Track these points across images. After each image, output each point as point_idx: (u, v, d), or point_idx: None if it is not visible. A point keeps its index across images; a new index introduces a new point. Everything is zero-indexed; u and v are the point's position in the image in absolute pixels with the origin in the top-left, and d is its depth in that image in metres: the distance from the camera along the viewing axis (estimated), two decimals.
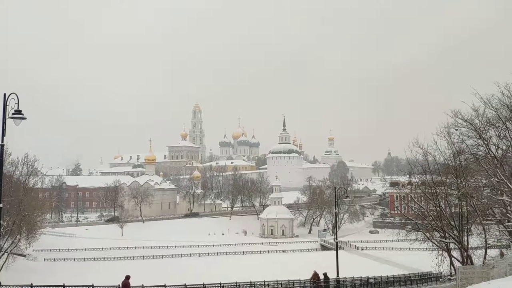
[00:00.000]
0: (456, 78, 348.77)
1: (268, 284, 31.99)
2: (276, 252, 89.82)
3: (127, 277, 24.04)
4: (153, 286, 27.37)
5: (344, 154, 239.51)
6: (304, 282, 32.30)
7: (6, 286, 22.07)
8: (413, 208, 40.26)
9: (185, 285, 26.99)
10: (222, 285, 29.63)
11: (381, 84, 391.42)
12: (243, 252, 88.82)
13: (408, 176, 56.49)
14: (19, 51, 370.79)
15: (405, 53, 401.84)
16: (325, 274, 33.02)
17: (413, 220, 38.41)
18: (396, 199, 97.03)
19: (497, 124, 28.69)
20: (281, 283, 32.64)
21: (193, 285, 27.96)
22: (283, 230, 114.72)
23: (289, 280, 33.34)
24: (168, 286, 26.46)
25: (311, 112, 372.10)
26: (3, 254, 44.08)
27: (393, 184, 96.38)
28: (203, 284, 28.09)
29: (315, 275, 31.59)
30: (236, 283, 30.90)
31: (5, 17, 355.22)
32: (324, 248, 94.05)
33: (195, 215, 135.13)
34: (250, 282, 32.12)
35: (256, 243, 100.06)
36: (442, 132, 31.57)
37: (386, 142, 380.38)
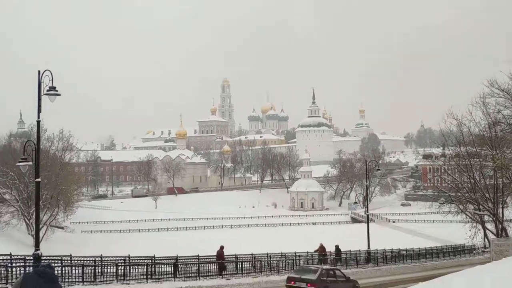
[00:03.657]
0: (495, 43, 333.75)
1: (299, 255, 32.32)
2: (306, 224, 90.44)
3: (221, 247, 25.89)
4: (244, 255, 29.26)
5: (375, 126, 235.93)
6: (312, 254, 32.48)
7: (46, 256, 22.99)
8: (447, 181, 39.65)
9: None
10: (254, 255, 30.11)
11: (414, 52, 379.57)
12: (274, 224, 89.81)
13: (441, 148, 55.45)
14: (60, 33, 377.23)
15: (439, 14, 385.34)
16: (336, 247, 33.03)
17: (446, 193, 37.88)
18: (429, 172, 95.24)
19: None
20: (312, 255, 32.86)
21: (226, 255, 28.50)
22: (313, 203, 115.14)
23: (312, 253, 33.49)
24: (202, 256, 27.14)
25: (341, 84, 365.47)
26: (42, 227, 45.87)
27: (426, 156, 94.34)
28: (235, 255, 28.63)
29: (321, 247, 31.68)
30: (267, 254, 31.33)
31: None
32: (354, 220, 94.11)
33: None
34: (281, 253, 32.51)
35: (286, 216, 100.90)
36: (478, 102, 30.72)
37: (419, 113, 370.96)
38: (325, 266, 22.76)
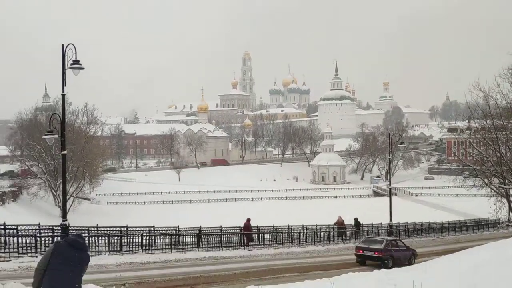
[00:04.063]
0: None
1: (320, 228, 32.53)
2: (328, 198, 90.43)
3: (248, 220, 26.84)
4: (266, 227, 30.19)
5: (399, 99, 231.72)
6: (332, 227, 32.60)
7: (73, 227, 23.70)
8: (472, 154, 38.96)
9: (240, 227, 27.97)
10: (275, 227, 30.43)
11: (437, 21, 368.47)
12: (295, 197, 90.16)
13: (467, 121, 54.25)
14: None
15: None
16: (356, 220, 33.15)
17: (471, 166, 37.29)
18: (453, 145, 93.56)
19: None
20: (333, 228, 32.97)
21: None
22: (334, 177, 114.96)
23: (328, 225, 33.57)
24: (225, 228, 27.53)
25: (364, 56, 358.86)
26: (69, 198, 47.19)
27: (451, 130, 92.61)
28: (257, 227, 28.97)
29: (339, 220, 31.80)
30: (288, 226, 31.62)
31: None
32: (376, 194, 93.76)
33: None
34: (302, 225, 32.77)
35: (307, 189, 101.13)
36: (506, 74, 29.83)
37: (445, 86, 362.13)
38: (388, 237, 25.09)
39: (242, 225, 26.92)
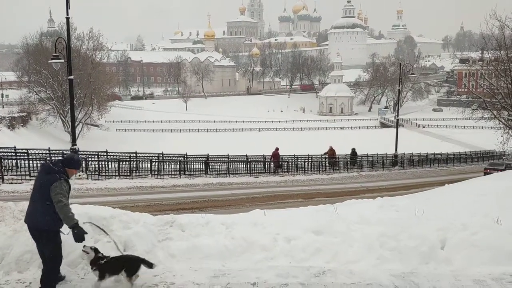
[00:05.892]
0: None
1: (325, 158, 32.86)
2: (334, 129, 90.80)
3: (277, 149, 28.44)
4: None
5: (413, 28, 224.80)
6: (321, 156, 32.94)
7: (83, 151, 24.12)
8: (482, 85, 38.30)
9: (246, 155, 28.40)
10: (281, 157, 30.82)
11: None
12: (301, 128, 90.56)
13: (480, 52, 52.85)
14: None
15: None
16: (353, 150, 33.49)
17: (481, 98, 36.80)
18: (464, 76, 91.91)
19: None
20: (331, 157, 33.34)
21: (255, 155, 29.34)
22: (342, 108, 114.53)
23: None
24: (232, 156, 28.00)
25: None
26: (78, 124, 47.66)
27: (463, 61, 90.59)
28: (263, 155, 29.41)
29: (331, 150, 32.09)
30: (294, 155, 32.00)
31: None
32: (383, 125, 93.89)
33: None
34: (308, 155, 33.16)
35: (314, 120, 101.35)
36: None
37: (460, 15, 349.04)
38: (507, 161, 34.80)
39: (270, 154, 28.52)
